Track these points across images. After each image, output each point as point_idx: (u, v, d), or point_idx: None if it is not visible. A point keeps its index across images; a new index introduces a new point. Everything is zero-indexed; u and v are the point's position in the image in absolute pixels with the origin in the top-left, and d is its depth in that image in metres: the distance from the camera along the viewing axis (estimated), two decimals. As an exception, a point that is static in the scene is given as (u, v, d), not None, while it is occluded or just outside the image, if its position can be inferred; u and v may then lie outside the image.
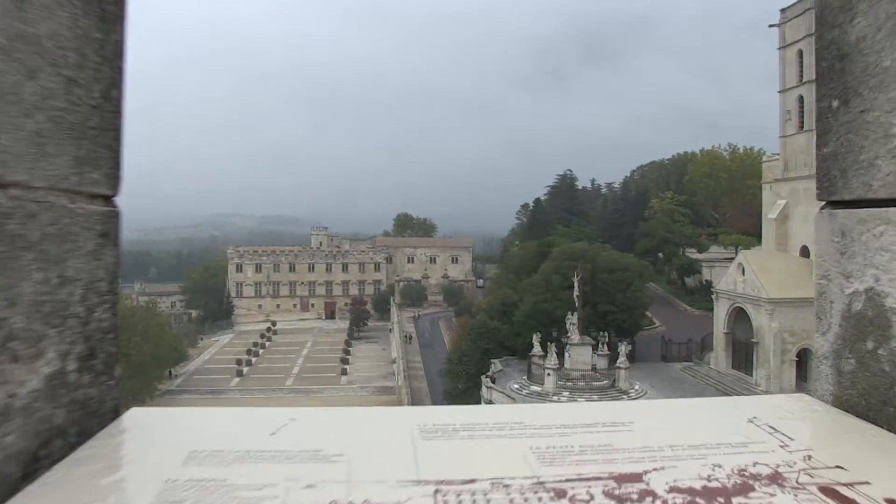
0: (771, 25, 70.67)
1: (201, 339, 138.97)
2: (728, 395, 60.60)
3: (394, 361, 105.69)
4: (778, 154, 71.58)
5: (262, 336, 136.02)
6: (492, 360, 68.12)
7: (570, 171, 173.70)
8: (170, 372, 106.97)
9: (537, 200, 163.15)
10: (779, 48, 69.85)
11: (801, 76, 66.46)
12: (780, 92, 69.95)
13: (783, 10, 69.34)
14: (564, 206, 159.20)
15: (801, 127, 66.76)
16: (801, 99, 66.63)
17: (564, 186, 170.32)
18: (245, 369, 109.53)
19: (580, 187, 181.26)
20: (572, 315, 61.11)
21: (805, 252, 64.79)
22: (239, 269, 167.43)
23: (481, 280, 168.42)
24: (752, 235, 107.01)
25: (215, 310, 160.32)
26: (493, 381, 61.28)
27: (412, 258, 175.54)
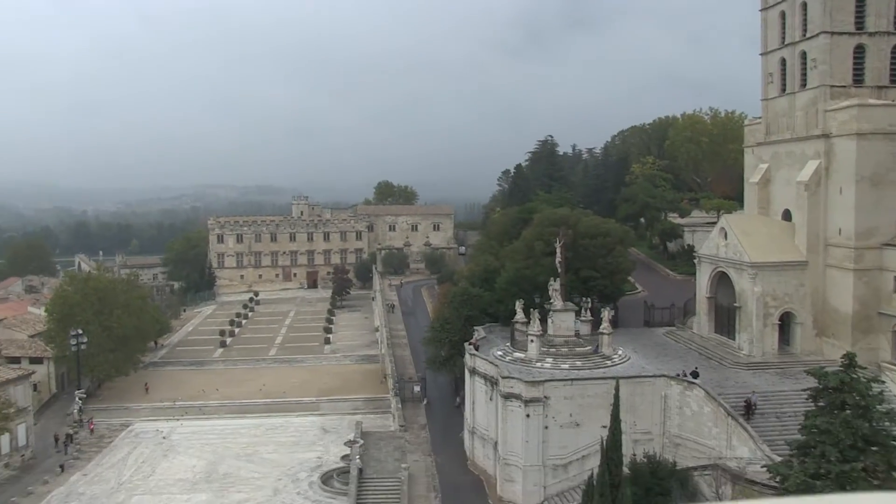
0: (754, -13, 69.80)
1: (184, 310, 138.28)
2: (710, 359, 60.68)
3: (377, 330, 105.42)
4: (760, 118, 71.03)
5: (245, 306, 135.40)
6: (475, 328, 67.83)
7: (550, 136, 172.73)
8: (155, 342, 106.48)
9: (518, 167, 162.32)
10: (761, 10, 68.97)
11: (784, 38, 65.72)
12: (762, 54, 69.18)
13: (766, -28, 68.38)
14: (545, 171, 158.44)
15: (784, 90, 66.16)
16: (783, 61, 65.93)
17: (545, 152, 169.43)
18: (228, 340, 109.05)
19: (561, 153, 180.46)
20: (555, 281, 60.77)
21: (787, 216, 64.49)
22: (220, 239, 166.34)
23: (463, 247, 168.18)
24: (734, 199, 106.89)
25: (197, 281, 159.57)
26: (477, 349, 60.98)
27: (394, 226, 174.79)
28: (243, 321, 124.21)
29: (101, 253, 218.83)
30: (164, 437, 71.00)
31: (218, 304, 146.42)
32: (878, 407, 34.85)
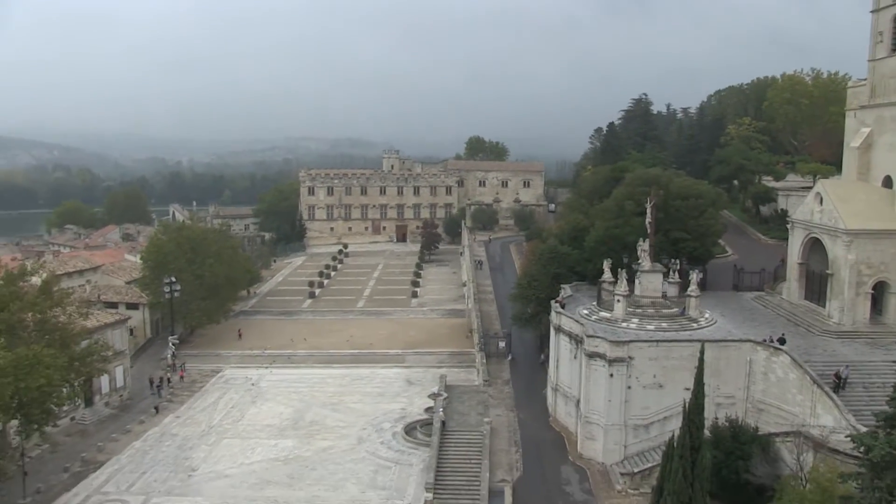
0: (864, -58, 67.25)
1: (274, 261, 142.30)
2: (799, 326, 60.11)
3: (464, 285, 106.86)
4: (865, 79, 68.87)
5: (334, 258, 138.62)
6: (561, 286, 68.41)
7: (645, 95, 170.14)
8: (248, 291, 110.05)
9: (611, 125, 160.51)
10: (871, -34, 66.54)
11: (896, -5, 63.29)
12: (872, 11, 66.77)
13: (877, -73, 65.78)
14: (639, 130, 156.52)
15: (894, 50, 63.93)
16: (895, 19, 63.66)
17: (639, 111, 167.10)
18: (317, 291, 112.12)
19: (655, 112, 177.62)
20: (644, 241, 60.86)
21: (888, 183, 62.82)
22: (311, 191, 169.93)
23: (553, 205, 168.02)
24: (832, 164, 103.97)
25: (288, 232, 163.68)
26: (563, 307, 61.69)
27: (483, 182, 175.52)
28: (332, 273, 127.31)
29: (194, 203, 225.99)
30: (252, 384, 73.73)
31: (308, 255, 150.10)
32: (968, 380, 34.46)
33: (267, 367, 79.04)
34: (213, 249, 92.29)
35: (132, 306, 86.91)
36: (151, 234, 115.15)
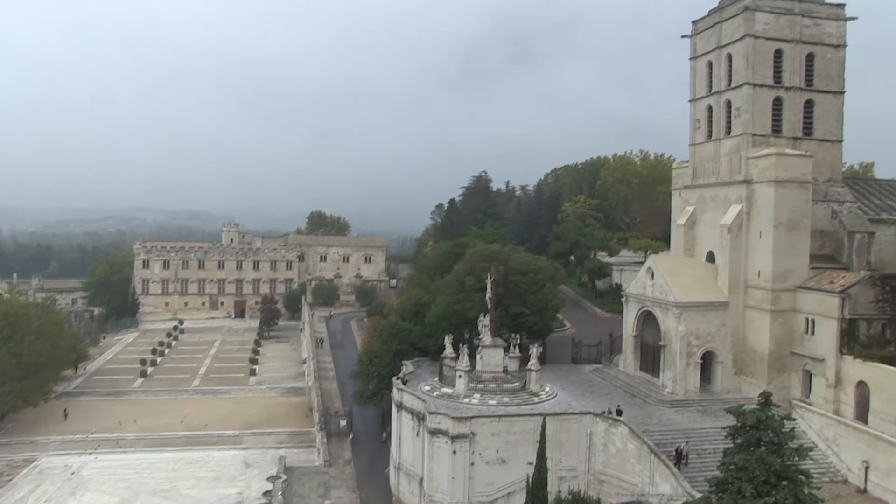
0: (683, 36, 72.18)
1: (104, 337, 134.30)
2: (635, 396, 61.73)
3: (304, 362, 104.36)
4: (687, 161, 73.15)
5: (169, 335, 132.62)
6: (403, 362, 67.59)
7: (485, 172, 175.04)
8: (74, 369, 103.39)
9: (452, 201, 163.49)
10: (690, 58, 71.42)
11: (710, 87, 68.08)
12: (690, 101, 71.52)
13: (695, 22, 70.90)
14: (479, 207, 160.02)
15: (710, 136, 68.40)
16: (709, 108, 68.26)
17: (479, 188, 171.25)
18: (149, 369, 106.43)
19: (495, 189, 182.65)
20: (484, 317, 61.18)
21: (711, 258, 66.40)
22: (146, 264, 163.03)
23: (394, 280, 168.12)
24: (662, 240, 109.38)
25: (120, 307, 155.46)
26: (405, 383, 60.80)
27: (325, 257, 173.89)
28: (166, 350, 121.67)
29: (14, 275, 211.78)
30: (73, 473, 67.39)
31: (140, 331, 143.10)
32: (789, 444, 36.03)
33: (91, 454, 73.37)
34: (35, 326, 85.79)
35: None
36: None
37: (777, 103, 63.40)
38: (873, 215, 63.94)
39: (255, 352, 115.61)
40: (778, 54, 63.37)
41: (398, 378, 62.45)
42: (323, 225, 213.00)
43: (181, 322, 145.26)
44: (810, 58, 64.18)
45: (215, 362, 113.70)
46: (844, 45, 64.97)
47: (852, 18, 65.25)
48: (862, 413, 52.00)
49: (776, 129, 63.29)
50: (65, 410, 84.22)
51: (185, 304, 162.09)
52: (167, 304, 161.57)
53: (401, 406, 59.43)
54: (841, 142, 65.41)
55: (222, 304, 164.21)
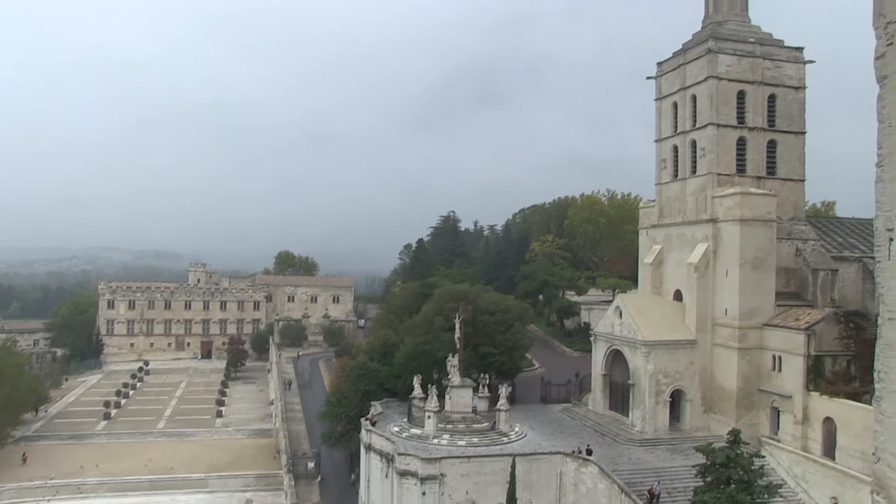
0: (648, 78, 73.24)
1: (66, 379, 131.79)
2: (605, 436, 61.51)
3: (271, 403, 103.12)
4: (654, 201, 73.83)
5: (134, 376, 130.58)
6: (372, 403, 67.10)
7: (453, 212, 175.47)
8: (35, 412, 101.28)
9: (420, 241, 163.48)
10: (656, 99, 72.41)
11: (676, 127, 69.01)
12: (656, 141, 72.37)
13: (660, 64, 72.05)
14: (447, 247, 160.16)
15: (676, 175, 69.16)
16: (675, 148, 69.08)
17: (447, 228, 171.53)
18: (113, 412, 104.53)
19: (463, 229, 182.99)
20: (453, 357, 60.93)
21: (678, 296, 66.75)
22: (111, 305, 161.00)
23: (362, 320, 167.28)
24: (629, 279, 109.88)
25: (83, 348, 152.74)
26: (373, 424, 60.24)
27: (293, 297, 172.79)
28: (131, 392, 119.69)
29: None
30: None
31: (104, 373, 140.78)
32: (759, 481, 36.05)
33: (49, 501, 71.63)
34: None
35: None
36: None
37: (741, 143, 64.38)
38: (836, 253, 64.81)
39: (222, 393, 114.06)
40: (741, 95, 64.50)
41: (367, 419, 61.88)
42: (291, 265, 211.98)
43: (146, 363, 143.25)
44: (772, 99, 65.40)
45: (181, 404, 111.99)
46: (804, 87, 66.33)
47: (810, 62, 66.73)
48: (829, 449, 52.18)
49: (740, 168, 64.19)
50: (23, 455, 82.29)
51: (151, 344, 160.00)
52: (132, 344, 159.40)
53: (369, 447, 58.80)
54: (803, 181, 66.46)
55: (189, 344, 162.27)
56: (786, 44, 66.83)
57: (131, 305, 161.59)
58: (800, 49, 66.71)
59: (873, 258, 46.92)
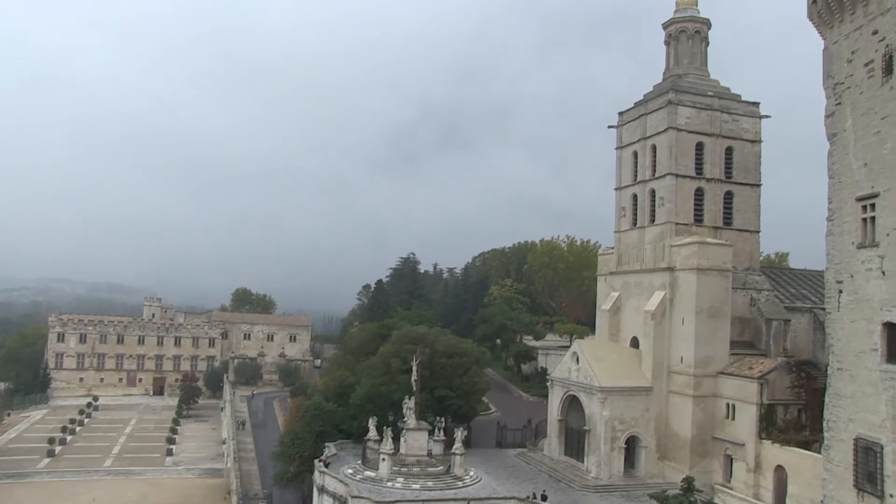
0: (610, 126, 74.56)
1: (8, 414, 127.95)
2: (560, 481, 61.40)
3: (224, 442, 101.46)
4: (612, 248, 74.71)
5: (82, 412, 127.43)
6: (326, 444, 66.35)
7: (413, 254, 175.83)
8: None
9: (379, 282, 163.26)
10: (616, 148, 73.66)
11: (636, 176, 70.17)
12: (616, 189, 73.47)
13: (621, 114, 73.47)
14: (406, 288, 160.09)
15: (635, 223, 70.17)
16: (634, 197, 70.18)
17: (407, 269, 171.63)
18: (58, 448, 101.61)
19: (422, 271, 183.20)
20: (409, 399, 60.67)
21: (635, 343, 67.32)
22: (61, 338, 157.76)
23: (319, 360, 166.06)
24: (587, 325, 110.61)
25: (29, 382, 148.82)
26: (327, 466, 59.51)
27: (249, 335, 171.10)
28: (77, 428, 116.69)
29: None
30: None
31: (51, 408, 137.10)
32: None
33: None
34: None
35: None
36: None
37: (699, 193, 65.67)
38: (788, 303, 66.00)
39: (173, 431, 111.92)
40: (699, 147, 65.93)
41: (320, 460, 61.17)
42: (248, 302, 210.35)
43: (96, 398, 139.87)
44: (729, 151, 66.94)
45: (130, 441, 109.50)
46: (760, 141, 68.11)
47: (766, 116, 68.67)
48: (780, 497, 52.63)
49: (698, 218, 65.40)
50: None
51: (101, 379, 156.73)
52: (82, 379, 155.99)
53: (322, 489, 58.01)
54: (758, 232, 67.89)
55: (140, 380, 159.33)
56: (743, 98, 68.68)
57: (82, 339, 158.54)
58: (756, 104, 68.58)
59: (824, 309, 47.67)
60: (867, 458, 33.17)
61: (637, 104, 71.28)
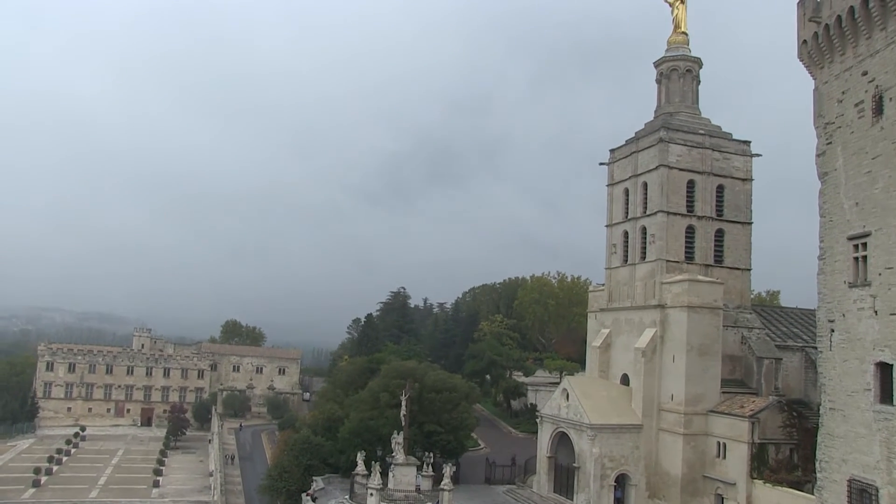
0: (601, 164, 74.86)
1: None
2: (549, 520, 60.77)
3: (211, 474, 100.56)
4: (603, 284, 74.68)
5: (69, 442, 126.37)
6: (314, 478, 65.86)
7: (403, 288, 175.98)
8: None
9: (369, 316, 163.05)
10: (607, 185, 73.90)
11: (627, 213, 70.34)
12: (607, 226, 73.61)
13: (612, 151, 73.80)
14: (396, 323, 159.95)
15: (626, 260, 70.24)
16: (625, 234, 70.30)
17: (397, 304, 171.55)
18: (43, 479, 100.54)
19: (413, 305, 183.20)
20: (398, 434, 60.22)
21: (625, 380, 67.06)
22: (50, 367, 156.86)
23: (308, 393, 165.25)
24: (577, 361, 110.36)
25: (16, 411, 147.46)
26: (314, 500, 58.99)
27: (238, 367, 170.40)
28: (64, 458, 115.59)
29: None
30: None
31: (38, 437, 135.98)
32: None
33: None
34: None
35: None
36: None
37: (690, 231, 65.82)
38: (780, 342, 65.90)
39: (160, 462, 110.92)
40: (691, 184, 66.20)
41: (307, 494, 60.75)
42: (238, 334, 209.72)
43: (83, 429, 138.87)
44: (720, 189, 67.24)
45: (117, 472, 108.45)
46: (751, 179, 68.44)
47: (757, 155, 69.08)
48: (771, 540, 52.18)
49: (689, 255, 65.48)
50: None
51: (89, 409, 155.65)
52: (69, 409, 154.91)
53: (308, 524, 57.46)
54: (749, 270, 67.98)
55: (129, 411, 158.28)
56: (734, 137, 69.13)
57: (71, 368, 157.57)
58: (747, 142, 69.01)
59: (815, 348, 47.52)
60: (862, 500, 32.96)
61: (628, 142, 71.66)
